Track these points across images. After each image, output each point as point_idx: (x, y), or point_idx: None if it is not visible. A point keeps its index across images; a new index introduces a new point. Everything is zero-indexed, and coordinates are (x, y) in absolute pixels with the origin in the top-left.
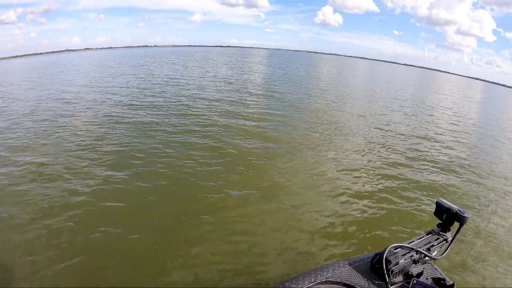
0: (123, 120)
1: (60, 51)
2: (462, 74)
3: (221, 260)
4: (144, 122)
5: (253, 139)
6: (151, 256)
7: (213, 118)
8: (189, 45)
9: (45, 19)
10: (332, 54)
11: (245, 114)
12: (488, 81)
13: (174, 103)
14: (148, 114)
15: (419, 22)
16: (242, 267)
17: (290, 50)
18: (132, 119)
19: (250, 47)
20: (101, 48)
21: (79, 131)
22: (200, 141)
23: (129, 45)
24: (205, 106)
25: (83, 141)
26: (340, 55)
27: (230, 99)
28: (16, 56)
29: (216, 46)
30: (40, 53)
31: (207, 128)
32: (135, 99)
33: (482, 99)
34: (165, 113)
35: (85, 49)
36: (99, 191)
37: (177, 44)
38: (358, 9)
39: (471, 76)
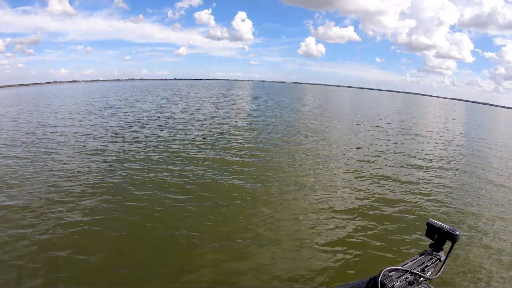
0: (98, 158)
1: (48, 82)
2: (444, 96)
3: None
4: (119, 160)
5: (232, 174)
6: None
7: (191, 155)
8: (175, 78)
9: (33, 50)
10: (316, 84)
11: (225, 152)
12: (469, 101)
13: (153, 140)
14: (125, 150)
15: (400, 49)
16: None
17: (275, 81)
18: (107, 156)
19: (235, 80)
20: (88, 81)
21: (54, 169)
22: (175, 181)
23: (116, 78)
24: (185, 143)
25: (56, 180)
26: (324, 84)
27: (210, 136)
28: (3, 86)
29: (202, 79)
30: (27, 84)
31: (183, 167)
32: (114, 135)
33: (465, 119)
34: (143, 149)
35: (72, 81)
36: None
37: (164, 77)
38: (340, 39)
39: (453, 97)
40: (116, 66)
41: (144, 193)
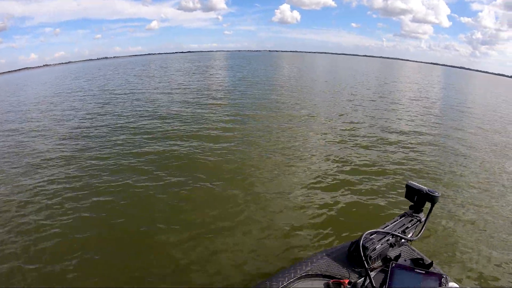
0: (59, 148)
1: (18, 69)
2: (421, 61)
3: (193, 263)
4: (83, 148)
5: (206, 152)
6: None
7: (160, 135)
8: (149, 54)
9: (1, 38)
10: (292, 51)
11: (198, 128)
12: (446, 65)
13: (121, 121)
14: (91, 136)
15: (376, 14)
16: (216, 271)
17: (250, 50)
18: (70, 145)
19: (210, 51)
20: (59, 64)
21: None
22: (144, 166)
23: (88, 58)
24: (154, 122)
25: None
26: (300, 51)
27: (181, 113)
28: None
29: (176, 52)
30: None
31: (152, 149)
32: (81, 119)
33: (443, 84)
34: (110, 133)
35: (43, 65)
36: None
37: (137, 53)
38: (315, 5)
39: (430, 61)
40: (87, 46)
41: (108, 184)
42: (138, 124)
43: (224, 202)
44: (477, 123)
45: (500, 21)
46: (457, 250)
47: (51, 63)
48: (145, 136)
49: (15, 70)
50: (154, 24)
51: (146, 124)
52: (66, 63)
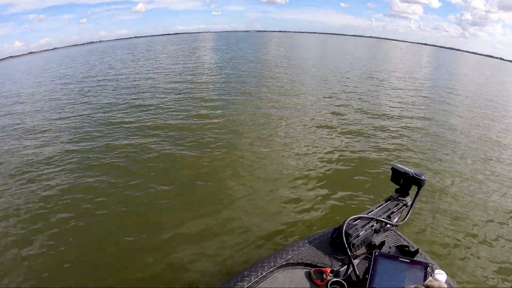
0: (32, 142)
1: (3, 58)
2: (410, 41)
3: (177, 251)
4: (60, 141)
5: (189, 142)
6: None
7: (141, 124)
8: (135, 36)
9: None
10: (281, 31)
11: (182, 116)
12: (436, 46)
13: (101, 111)
14: (69, 127)
15: None
16: (191, 260)
17: (238, 31)
18: (47, 137)
19: (198, 32)
20: (45, 50)
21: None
22: (120, 162)
23: (74, 44)
24: (136, 110)
25: None
26: (289, 31)
27: (165, 99)
28: None
29: (164, 34)
30: None
31: (130, 141)
32: (59, 109)
33: (434, 65)
34: (87, 124)
35: (28, 53)
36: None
37: (124, 36)
38: None
39: (420, 42)
40: (72, 31)
41: (84, 180)
42: (116, 114)
43: (206, 189)
44: (466, 107)
45: (490, 3)
46: (444, 236)
47: (37, 50)
48: (123, 127)
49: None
50: (140, 6)
51: (124, 114)
52: (51, 49)
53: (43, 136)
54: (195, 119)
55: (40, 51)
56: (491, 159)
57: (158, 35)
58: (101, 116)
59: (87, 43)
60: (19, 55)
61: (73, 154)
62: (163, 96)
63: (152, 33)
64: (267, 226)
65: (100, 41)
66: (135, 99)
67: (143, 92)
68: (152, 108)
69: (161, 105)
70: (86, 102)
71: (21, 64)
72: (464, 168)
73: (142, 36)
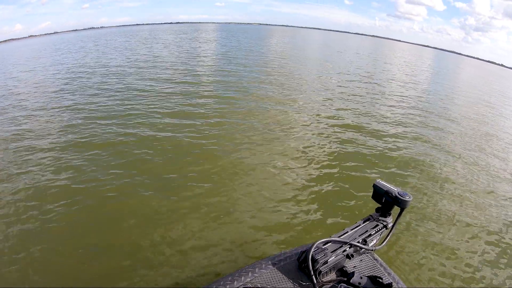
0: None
1: (3, 41)
2: (413, 42)
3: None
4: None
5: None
6: None
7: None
8: (137, 24)
9: None
10: (284, 25)
11: (173, 112)
12: (438, 48)
13: (87, 105)
14: (57, 121)
15: None
16: (146, 273)
17: (241, 23)
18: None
19: (199, 22)
20: (45, 34)
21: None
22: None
23: (74, 29)
24: (124, 105)
25: None
26: (292, 26)
27: (149, 89)
28: None
29: (165, 23)
30: None
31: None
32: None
33: (436, 69)
34: (75, 119)
35: (29, 36)
36: None
37: (125, 23)
38: None
39: (422, 43)
40: (74, 16)
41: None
42: (100, 104)
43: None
44: (466, 114)
45: (495, 9)
46: (426, 265)
47: (37, 34)
48: (109, 122)
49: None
50: None
51: (109, 105)
52: (52, 33)
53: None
54: (169, 127)
55: (40, 35)
56: (491, 182)
57: (160, 23)
58: (87, 108)
59: (88, 29)
60: (19, 38)
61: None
62: (148, 87)
63: (153, 21)
64: (231, 237)
65: (101, 27)
66: (121, 90)
67: (131, 84)
68: (135, 99)
69: (145, 97)
70: (76, 92)
71: (17, 48)
72: (457, 189)
73: (143, 24)
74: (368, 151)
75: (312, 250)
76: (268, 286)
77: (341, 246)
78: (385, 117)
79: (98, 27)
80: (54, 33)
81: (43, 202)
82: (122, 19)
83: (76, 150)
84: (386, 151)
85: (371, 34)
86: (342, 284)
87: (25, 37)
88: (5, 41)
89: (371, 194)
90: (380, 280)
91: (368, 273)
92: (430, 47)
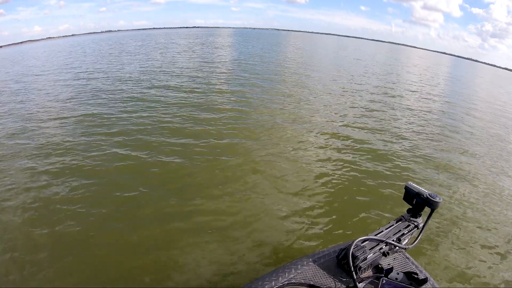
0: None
1: (22, 42)
2: (429, 49)
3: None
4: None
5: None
6: None
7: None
8: (153, 28)
9: (4, 10)
10: (299, 31)
11: (184, 118)
12: (454, 55)
13: (93, 116)
14: (60, 131)
15: None
16: (185, 270)
17: (256, 28)
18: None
19: (216, 27)
20: (63, 36)
21: None
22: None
23: (92, 31)
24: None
25: None
26: (307, 31)
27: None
28: None
29: (182, 27)
30: (0, 46)
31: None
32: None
33: (455, 77)
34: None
35: (47, 38)
36: None
37: (142, 27)
38: None
39: (438, 50)
40: (91, 19)
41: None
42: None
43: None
44: (489, 126)
45: None
46: (458, 262)
47: (55, 36)
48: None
49: (19, 43)
50: None
51: (107, 113)
52: (70, 35)
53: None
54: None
55: (59, 37)
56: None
57: (176, 28)
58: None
59: (105, 32)
60: (37, 40)
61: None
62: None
63: (170, 25)
64: (270, 238)
65: (118, 30)
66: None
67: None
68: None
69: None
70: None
71: (32, 50)
72: (482, 190)
73: (160, 28)
74: (395, 156)
75: (352, 247)
76: (311, 282)
77: (378, 244)
78: (418, 126)
79: (115, 30)
80: (72, 35)
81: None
82: (139, 23)
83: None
84: (415, 156)
85: (387, 41)
86: (383, 278)
87: (44, 39)
88: (23, 42)
89: (401, 196)
90: (416, 276)
91: (402, 270)
92: (447, 53)
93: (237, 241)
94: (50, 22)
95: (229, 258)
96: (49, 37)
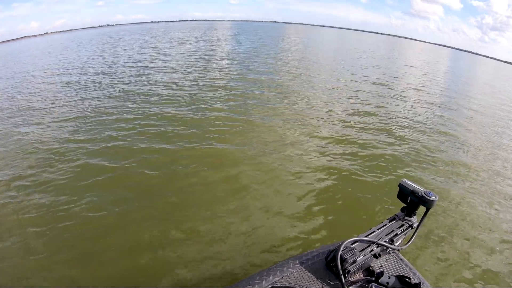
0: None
1: (18, 38)
2: (428, 41)
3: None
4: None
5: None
6: None
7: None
8: (151, 21)
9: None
10: (299, 23)
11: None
12: (454, 48)
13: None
14: (45, 131)
15: None
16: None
17: (255, 21)
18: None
19: (214, 20)
20: (60, 31)
21: None
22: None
23: (90, 26)
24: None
25: None
26: (307, 24)
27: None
28: None
29: (180, 20)
30: None
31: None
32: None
33: (457, 71)
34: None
35: (44, 33)
36: None
37: (140, 21)
38: None
39: (438, 43)
40: (89, 13)
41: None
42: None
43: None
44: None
45: None
46: (454, 265)
47: (52, 31)
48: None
49: (16, 39)
50: None
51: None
52: (67, 30)
53: None
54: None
55: (56, 32)
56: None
57: (174, 21)
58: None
59: (103, 26)
60: (34, 35)
61: None
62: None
63: (168, 18)
64: (257, 239)
65: (116, 24)
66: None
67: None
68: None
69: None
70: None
71: (25, 46)
72: (480, 191)
73: (158, 22)
74: (390, 152)
75: (341, 249)
76: (297, 286)
77: (369, 246)
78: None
79: (113, 24)
80: (70, 30)
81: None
82: (136, 16)
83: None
84: (410, 151)
85: (386, 33)
86: (372, 284)
87: (41, 34)
88: (20, 38)
89: (395, 194)
90: (408, 280)
91: (394, 273)
92: (447, 46)
93: (222, 242)
94: (47, 18)
95: (212, 260)
96: (46, 33)
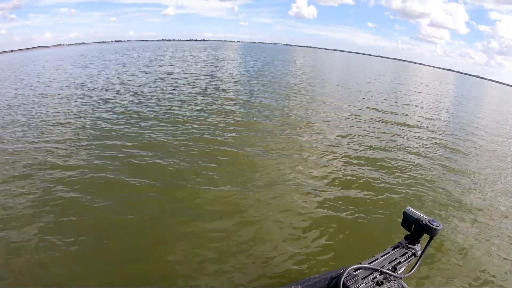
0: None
1: (32, 47)
2: (435, 66)
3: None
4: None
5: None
6: None
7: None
8: (163, 39)
9: (16, 16)
10: (307, 46)
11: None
12: (461, 72)
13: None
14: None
15: (393, 15)
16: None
17: (264, 43)
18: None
19: (224, 41)
20: (73, 44)
21: None
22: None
23: (102, 40)
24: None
25: None
26: (315, 47)
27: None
28: None
29: (191, 39)
30: (11, 51)
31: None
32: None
33: (464, 96)
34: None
35: (57, 45)
36: None
37: (151, 38)
38: (333, 1)
39: (445, 67)
40: (101, 28)
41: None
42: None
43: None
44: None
45: None
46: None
47: (65, 43)
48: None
49: (29, 48)
50: (169, 10)
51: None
52: (80, 43)
53: None
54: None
55: (68, 44)
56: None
57: (185, 40)
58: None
59: (114, 41)
60: (47, 46)
61: None
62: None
63: (179, 37)
64: (260, 261)
65: (127, 41)
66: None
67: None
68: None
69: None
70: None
71: (41, 56)
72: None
73: (169, 40)
74: (397, 180)
75: (344, 276)
76: None
77: (372, 273)
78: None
79: (124, 40)
80: (82, 43)
81: None
82: (148, 34)
83: None
84: (416, 180)
85: (393, 57)
86: None
87: (54, 46)
88: (33, 48)
89: (399, 221)
90: None
91: None
92: (453, 70)
93: (226, 263)
94: (60, 30)
95: (216, 280)
96: (59, 44)
